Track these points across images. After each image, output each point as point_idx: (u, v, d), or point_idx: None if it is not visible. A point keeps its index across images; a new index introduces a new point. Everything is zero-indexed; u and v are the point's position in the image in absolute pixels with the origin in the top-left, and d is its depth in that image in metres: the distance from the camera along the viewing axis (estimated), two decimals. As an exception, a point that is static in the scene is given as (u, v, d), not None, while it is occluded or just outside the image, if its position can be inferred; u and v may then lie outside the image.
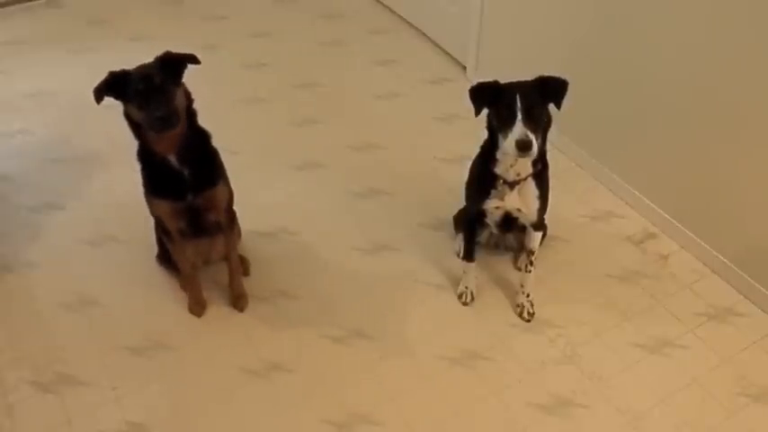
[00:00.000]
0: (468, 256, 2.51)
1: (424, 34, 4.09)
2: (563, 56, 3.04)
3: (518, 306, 2.50)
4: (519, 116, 1.97)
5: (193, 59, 2.08)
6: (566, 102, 2.36)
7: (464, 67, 3.78)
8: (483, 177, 2.24)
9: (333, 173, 3.16)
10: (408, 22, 4.20)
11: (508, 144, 1.99)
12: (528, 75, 2.06)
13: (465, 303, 2.54)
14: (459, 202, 2.51)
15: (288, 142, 3.35)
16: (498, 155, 2.13)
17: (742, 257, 2.58)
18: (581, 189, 3.05)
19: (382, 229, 2.87)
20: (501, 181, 2.19)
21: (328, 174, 3.16)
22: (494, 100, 2.05)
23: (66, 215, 2.94)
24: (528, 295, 2.48)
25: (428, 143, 3.32)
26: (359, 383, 2.31)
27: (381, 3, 4.39)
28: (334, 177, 3.14)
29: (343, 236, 2.84)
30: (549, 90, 2.05)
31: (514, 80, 2.06)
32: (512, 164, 2.14)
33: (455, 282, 2.59)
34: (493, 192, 2.22)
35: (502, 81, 2.08)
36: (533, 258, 2.42)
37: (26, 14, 4.33)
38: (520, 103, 1.98)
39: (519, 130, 1.96)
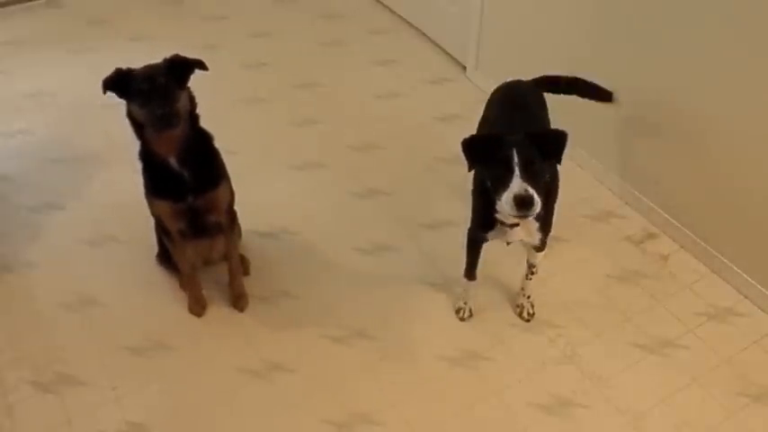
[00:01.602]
0: (470, 274, 2.45)
1: (424, 34, 4.09)
2: (563, 55, 3.04)
3: (518, 306, 2.50)
4: (516, 171, 1.79)
5: (201, 65, 2.10)
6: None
7: (464, 67, 3.78)
8: (484, 216, 2.13)
9: (333, 173, 3.16)
10: (408, 22, 4.20)
11: (505, 201, 1.81)
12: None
13: (462, 319, 2.50)
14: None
15: (288, 142, 3.35)
16: (498, 206, 1.94)
17: (742, 257, 2.58)
18: (581, 189, 3.05)
19: (382, 229, 2.87)
20: (500, 224, 2.09)
21: (328, 174, 3.16)
22: (488, 154, 1.88)
23: (66, 215, 2.94)
24: (528, 296, 2.48)
25: (428, 143, 3.31)
26: (359, 383, 2.31)
27: (381, 3, 4.39)
28: (334, 177, 3.14)
29: (343, 236, 2.84)
30: (546, 144, 1.89)
31: (509, 134, 1.91)
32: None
33: (455, 282, 2.57)
34: (491, 233, 2.17)
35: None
36: (535, 270, 2.40)
37: (26, 14, 4.33)
38: (517, 158, 1.80)
39: (517, 184, 1.78)
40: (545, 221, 2.15)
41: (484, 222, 2.16)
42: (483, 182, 2.03)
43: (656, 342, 2.43)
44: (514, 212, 1.80)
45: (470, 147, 1.93)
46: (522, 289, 2.47)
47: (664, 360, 2.38)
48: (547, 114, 2.46)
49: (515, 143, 1.83)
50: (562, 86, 2.56)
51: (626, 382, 2.31)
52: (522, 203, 1.76)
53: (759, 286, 2.54)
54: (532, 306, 2.49)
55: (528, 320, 2.48)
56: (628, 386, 2.30)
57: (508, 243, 2.23)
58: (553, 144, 1.90)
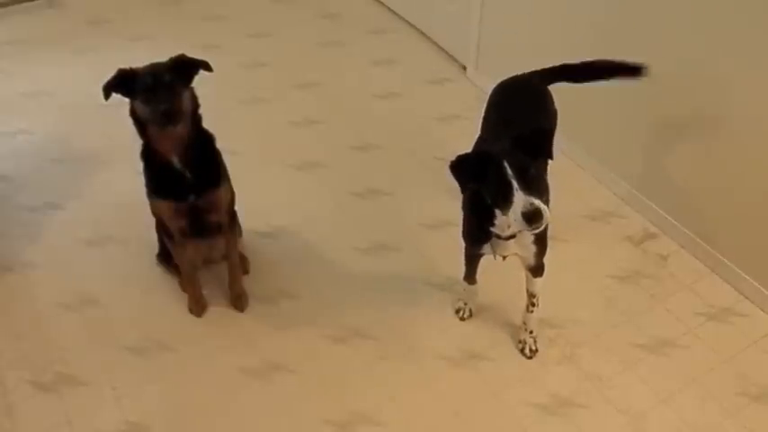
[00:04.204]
0: (470, 280, 2.44)
1: (423, 34, 4.09)
2: (563, 55, 3.03)
3: (520, 342, 2.40)
4: (515, 185, 1.73)
5: (206, 66, 2.11)
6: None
7: (464, 67, 3.78)
8: (478, 232, 2.10)
9: (333, 173, 3.16)
10: (408, 22, 4.20)
11: (514, 220, 1.75)
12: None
13: (462, 319, 2.50)
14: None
15: (288, 142, 3.35)
16: (497, 221, 1.94)
17: (742, 257, 2.58)
18: (581, 189, 3.05)
19: (382, 229, 2.87)
20: (495, 237, 2.04)
21: (328, 174, 3.16)
22: (479, 173, 1.84)
23: (66, 215, 2.94)
24: (531, 332, 2.37)
25: (428, 143, 3.31)
26: (359, 383, 2.31)
27: (381, 3, 4.39)
28: (334, 177, 3.14)
29: (343, 236, 2.84)
30: (532, 146, 1.84)
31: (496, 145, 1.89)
32: (509, 225, 1.92)
33: (455, 282, 2.58)
34: (485, 246, 2.12)
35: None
36: (535, 300, 2.31)
37: (26, 14, 4.32)
38: (511, 170, 1.74)
39: (521, 200, 1.72)
40: (540, 233, 2.06)
41: (477, 237, 2.12)
42: (473, 196, 2.01)
43: (655, 342, 2.43)
44: (527, 228, 1.75)
45: (459, 169, 1.87)
46: (524, 323, 2.37)
47: (664, 360, 2.38)
48: (547, 108, 2.40)
49: (504, 154, 1.78)
50: (579, 73, 2.43)
51: (626, 382, 2.31)
52: (532, 218, 1.71)
53: (759, 286, 2.54)
54: (535, 342, 2.38)
55: (530, 358, 2.37)
56: (628, 386, 2.30)
57: (504, 257, 2.17)
58: (537, 143, 1.87)
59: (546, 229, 2.11)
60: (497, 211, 1.88)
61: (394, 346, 2.43)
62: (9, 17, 4.29)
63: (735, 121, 2.43)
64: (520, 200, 1.72)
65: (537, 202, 1.72)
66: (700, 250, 2.71)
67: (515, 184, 1.74)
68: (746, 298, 2.58)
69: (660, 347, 2.42)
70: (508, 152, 1.80)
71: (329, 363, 2.37)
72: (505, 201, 1.76)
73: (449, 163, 1.89)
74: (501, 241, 2.05)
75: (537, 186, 1.77)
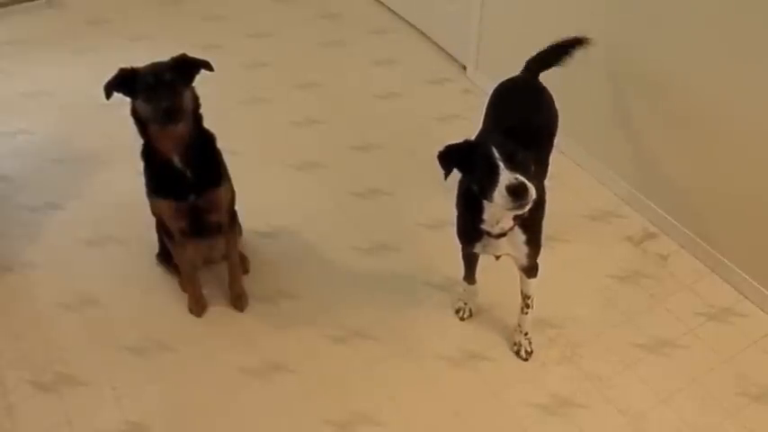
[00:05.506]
0: (469, 279, 2.44)
1: (423, 34, 4.09)
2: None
3: (515, 344, 2.39)
4: (501, 165, 1.74)
5: (207, 66, 2.11)
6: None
7: (464, 67, 3.78)
8: (469, 231, 2.10)
9: (333, 173, 3.16)
10: (408, 22, 4.20)
11: (498, 196, 1.74)
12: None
13: (462, 319, 2.50)
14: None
15: (288, 142, 3.35)
16: (485, 215, 1.95)
17: (742, 257, 2.58)
18: (581, 189, 3.05)
19: (382, 229, 2.87)
20: (486, 234, 2.04)
21: (328, 174, 3.16)
22: (467, 159, 1.86)
23: (66, 215, 2.94)
24: (526, 333, 2.37)
25: (428, 143, 3.29)
26: (359, 383, 2.31)
27: (381, 3, 4.39)
28: (334, 177, 3.14)
29: (343, 236, 2.84)
30: (522, 138, 1.85)
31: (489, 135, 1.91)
32: (498, 220, 1.95)
33: (455, 282, 2.58)
34: (477, 245, 2.12)
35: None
36: (530, 302, 2.30)
37: (26, 14, 4.33)
38: (498, 153, 1.76)
39: (505, 175, 1.72)
40: (532, 233, 2.08)
41: (469, 235, 2.13)
42: (466, 194, 2.02)
43: (656, 342, 2.43)
44: (510, 204, 1.72)
45: (447, 156, 1.90)
46: (519, 325, 2.37)
47: (664, 360, 2.38)
48: (547, 108, 2.42)
49: (493, 141, 1.80)
50: (549, 59, 2.51)
51: (626, 382, 2.31)
52: (516, 192, 1.70)
53: (759, 286, 2.54)
54: (530, 343, 2.37)
55: (526, 359, 2.37)
56: (628, 386, 2.30)
57: (497, 257, 2.18)
58: (528, 136, 1.88)
59: (539, 230, 2.13)
60: (485, 204, 1.89)
61: (394, 346, 2.43)
62: (9, 17, 4.29)
63: (735, 120, 2.43)
64: (504, 176, 1.72)
65: (522, 177, 1.70)
66: (700, 250, 2.72)
67: (501, 165, 1.74)
68: (746, 298, 2.58)
69: (660, 347, 2.42)
70: (498, 139, 1.82)
71: (329, 363, 2.38)
72: (491, 182, 1.75)
73: (437, 152, 1.91)
74: (492, 240, 2.05)
75: (523, 168, 1.75)
